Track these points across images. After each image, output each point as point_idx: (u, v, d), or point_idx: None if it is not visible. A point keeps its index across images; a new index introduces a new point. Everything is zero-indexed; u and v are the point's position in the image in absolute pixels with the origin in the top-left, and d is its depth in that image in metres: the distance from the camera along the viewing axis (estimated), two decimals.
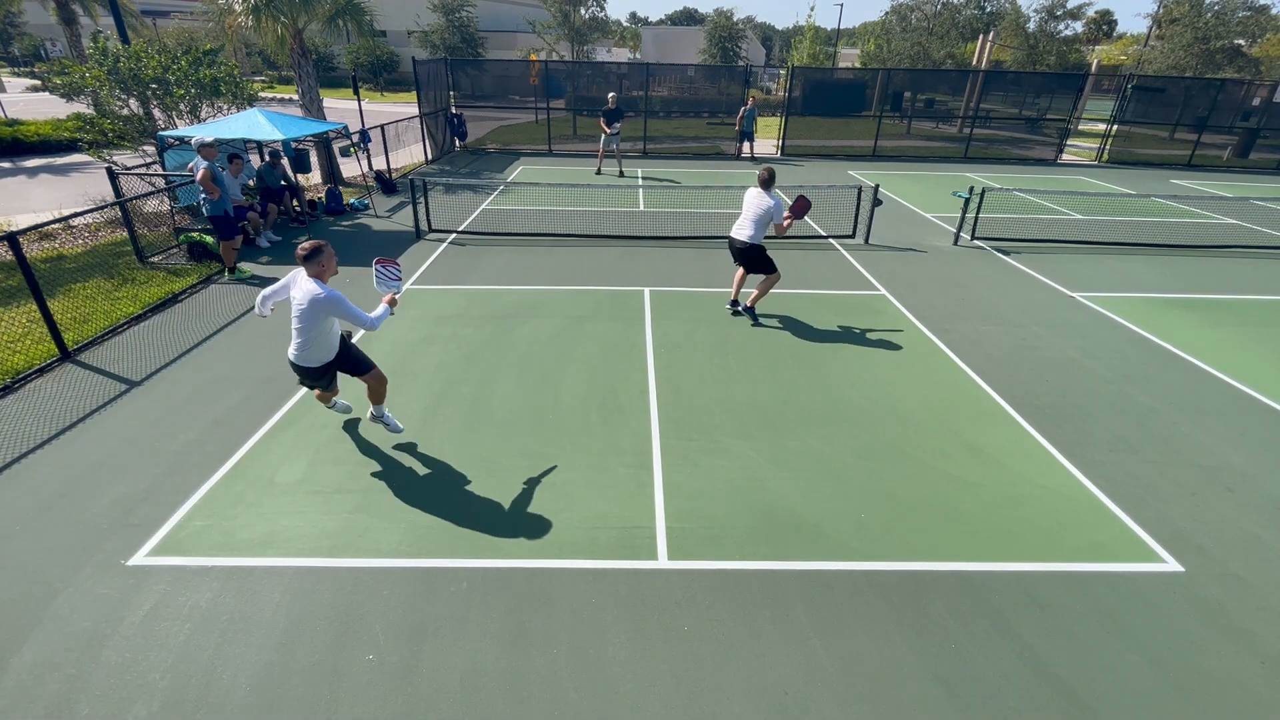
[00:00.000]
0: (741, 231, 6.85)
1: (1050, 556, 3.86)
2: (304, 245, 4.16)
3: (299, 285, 4.22)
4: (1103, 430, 5.22)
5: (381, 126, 14.44)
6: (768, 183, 6.62)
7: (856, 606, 3.49)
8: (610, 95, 15.42)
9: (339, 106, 23.82)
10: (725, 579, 3.65)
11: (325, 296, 4.12)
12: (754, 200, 6.69)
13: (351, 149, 11.83)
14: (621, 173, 16.03)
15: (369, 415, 4.89)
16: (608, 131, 15.27)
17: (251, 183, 10.10)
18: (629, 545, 3.87)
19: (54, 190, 12.69)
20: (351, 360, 4.57)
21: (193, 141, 7.97)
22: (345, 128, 11.66)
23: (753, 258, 6.91)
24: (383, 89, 43.04)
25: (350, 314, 4.20)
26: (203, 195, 7.64)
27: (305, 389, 5.28)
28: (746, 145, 18.68)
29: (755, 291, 7.13)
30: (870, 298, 8.03)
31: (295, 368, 4.44)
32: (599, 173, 16.07)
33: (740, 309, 7.24)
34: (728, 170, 17.17)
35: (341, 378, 4.78)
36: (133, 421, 5.02)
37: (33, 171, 14.84)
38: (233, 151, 8.73)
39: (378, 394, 4.73)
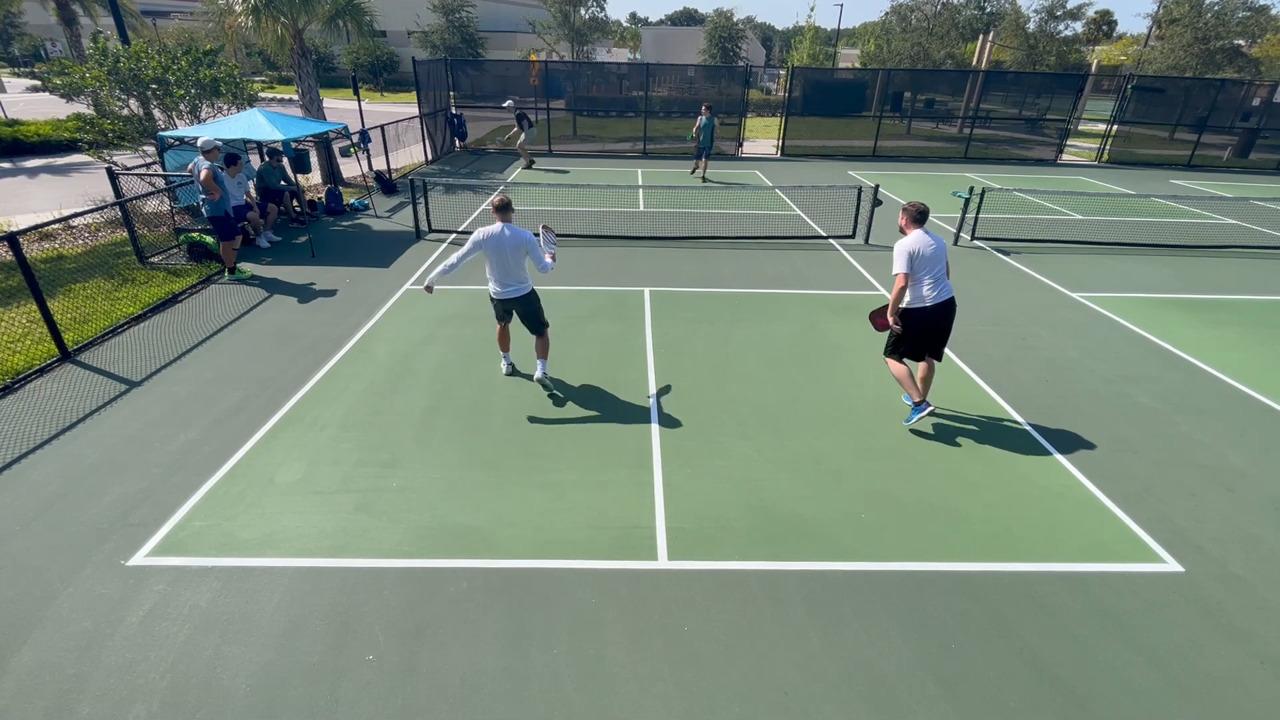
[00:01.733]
0: (947, 287, 4.88)
1: (1050, 556, 3.86)
2: (500, 197, 5.25)
3: (499, 233, 5.14)
4: (1103, 430, 5.22)
5: (381, 127, 14.44)
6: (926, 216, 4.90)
7: (856, 606, 3.49)
8: (509, 102, 16.67)
9: (339, 107, 23.82)
10: (725, 579, 3.65)
11: (529, 236, 5.23)
12: (939, 243, 4.83)
13: (351, 149, 11.84)
14: (531, 163, 16.87)
15: (539, 375, 5.60)
16: (523, 134, 16.09)
17: (253, 183, 10.11)
18: (629, 545, 3.87)
19: (54, 190, 12.69)
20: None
21: (199, 142, 7.97)
22: (345, 128, 11.67)
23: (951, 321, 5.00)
24: (382, 89, 43.04)
25: (538, 255, 5.23)
26: (203, 196, 7.64)
27: (303, 391, 5.29)
28: (702, 162, 15.52)
29: (924, 379, 5.11)
30: (870, 298, 8.02)
31: (505, 301, 5.44)
32: (532, 167, 16.68)
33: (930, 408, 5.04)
34: (727, 170, 17.17)
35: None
36: (133, 421, 5.02)
37: (32, 171, 14.84)
38: (231, 152, 8.73)
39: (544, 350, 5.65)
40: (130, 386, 5.56)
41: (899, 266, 4.77)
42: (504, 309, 5.56)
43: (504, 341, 5.85)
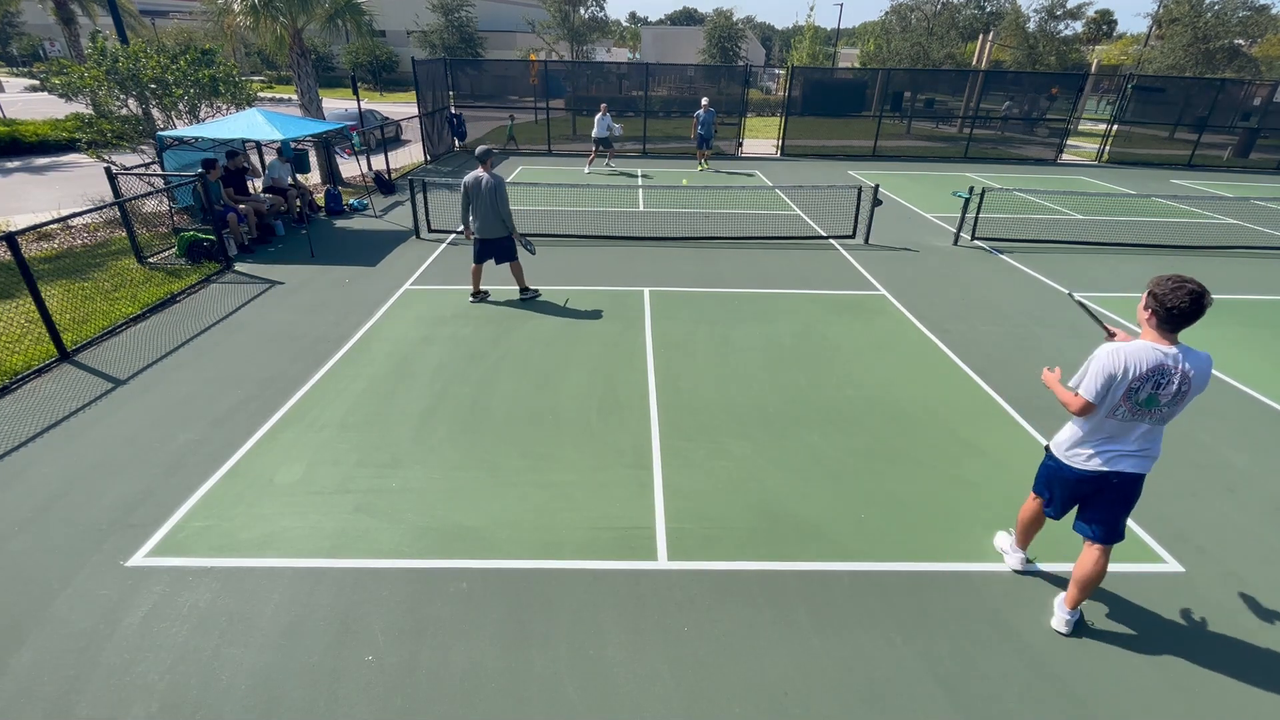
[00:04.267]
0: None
1: (1050, 556, 3.85)
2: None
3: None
4: None
5: (380, 126, 14.43)
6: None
7: (856, 606, 3.48)
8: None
9: (338, 107, 23.79)
10: (725, 579, 3.65)
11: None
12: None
13: (351, 145, 11.94)
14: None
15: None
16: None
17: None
18: (629, 545, 3.87)
19: (52, 190, 12.68)
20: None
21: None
22: (346, 128, 11.67)
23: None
24: (382, 89, 43.02)
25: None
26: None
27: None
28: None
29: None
30: (870, 298, 8.02)
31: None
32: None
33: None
34: (727, 170, 17.16)
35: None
36: (132, 421, 5.02)
37: (31, 171, 14.84)
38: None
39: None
40: (129, 387, 5.55)
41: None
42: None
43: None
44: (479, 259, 7.27)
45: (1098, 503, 3.09)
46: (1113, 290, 8.43)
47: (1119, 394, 2.82)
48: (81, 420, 5.04)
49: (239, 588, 3.49)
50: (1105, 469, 2.96)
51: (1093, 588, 3.21)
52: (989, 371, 6.15)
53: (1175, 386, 2.73)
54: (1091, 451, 2.98)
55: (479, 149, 6.88)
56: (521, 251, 7.35)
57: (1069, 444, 3.08)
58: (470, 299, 7.49)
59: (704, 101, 16.08)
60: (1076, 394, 2.95)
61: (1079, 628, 3.36)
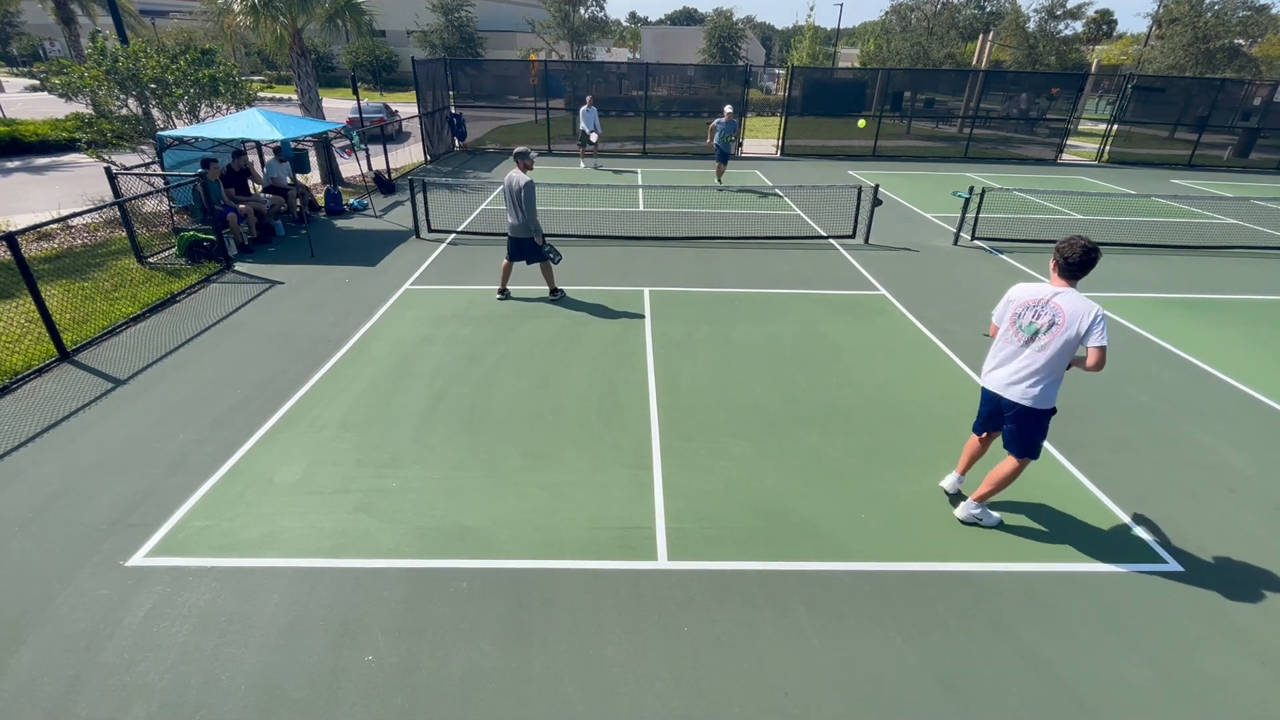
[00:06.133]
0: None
1: (1050, 556, 3.86)
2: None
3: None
4: (1103, 430, 5.21)
5: (381, 126, 14.43)
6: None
7: (856, 606, 3.48)
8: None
9: (338, 107, 23.79)
10: (725, 579, 3.65)
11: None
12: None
13: (352, 145, 11.93)
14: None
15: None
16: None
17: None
18: (629, 545, 3.87)
19: (52, 190, 12.68)
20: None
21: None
22: (345, 127, 11.67)
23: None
24: (382, 89, 43.02)
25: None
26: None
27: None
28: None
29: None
30: (870, 298, 8.02)
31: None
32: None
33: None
34: (728, 169, 17.13)
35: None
36: (131, 422, 5.01)
37: (31, 171, 14.84)
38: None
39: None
40: (129, 387, 5.55)
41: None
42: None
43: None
44: (509, 256, 7.38)
45: (1003, 419, 3.79)
46: (1113, 290, 8.43)
47: (1008, 318, 3.58)
48: (81, 420, 5.04)
49: (239, 588, 3.49)
50: (996, 391, 3.67)
51: (1000, 489, 3.92)
52: None
53: (1049, 317, 3.34)
54: (990, 368, 3.74)
55: (516, 149, 7.04)
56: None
57: (986, 365, 3.80)
58: (497, 295, 7.61)
59: (727, 110, 13.97)
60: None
61: (1073, 621, 3.36)
